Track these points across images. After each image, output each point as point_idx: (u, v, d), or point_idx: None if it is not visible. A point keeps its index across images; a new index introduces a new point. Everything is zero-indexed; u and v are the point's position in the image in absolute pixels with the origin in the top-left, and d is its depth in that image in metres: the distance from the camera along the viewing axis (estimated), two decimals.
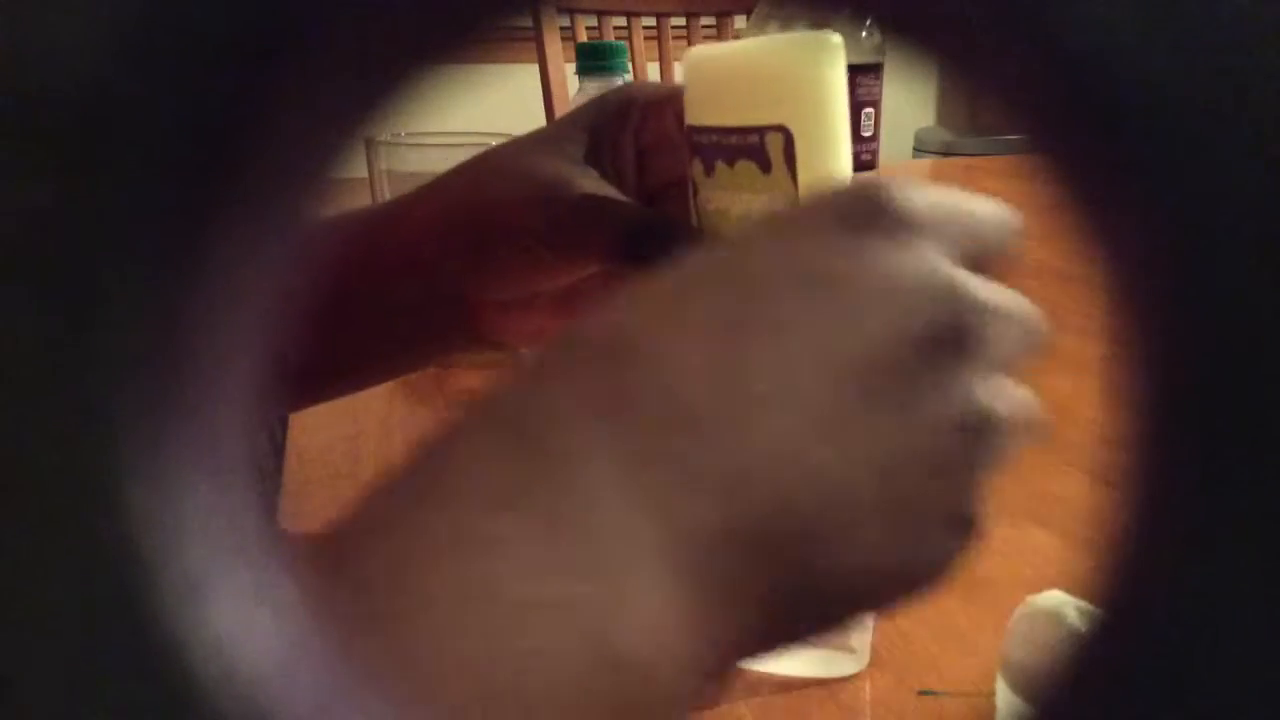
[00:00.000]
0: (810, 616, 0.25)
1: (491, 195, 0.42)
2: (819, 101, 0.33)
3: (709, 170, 0.35)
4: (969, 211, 0.27)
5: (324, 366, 0.46)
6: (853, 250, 0.25)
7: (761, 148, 0.33)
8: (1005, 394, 0.26)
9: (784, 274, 0.25)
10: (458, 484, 0.22)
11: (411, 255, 0.44)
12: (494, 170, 0.43)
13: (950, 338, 0.25)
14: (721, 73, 0.35)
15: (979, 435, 0.25)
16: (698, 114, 0.36)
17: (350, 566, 0.22)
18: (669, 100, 0.41)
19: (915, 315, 0.25)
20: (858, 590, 0.25)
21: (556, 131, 0.43)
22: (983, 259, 0.28)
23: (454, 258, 0.43)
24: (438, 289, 0.44)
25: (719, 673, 0.24)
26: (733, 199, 0.35)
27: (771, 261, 0.25)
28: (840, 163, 0.33)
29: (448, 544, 0.21)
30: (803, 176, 0.33)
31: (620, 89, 0.44)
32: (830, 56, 0.33)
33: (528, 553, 0.21)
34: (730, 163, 0.34)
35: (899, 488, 0.24)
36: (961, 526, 0.26)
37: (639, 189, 0.42)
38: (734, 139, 0.34)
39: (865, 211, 0.26)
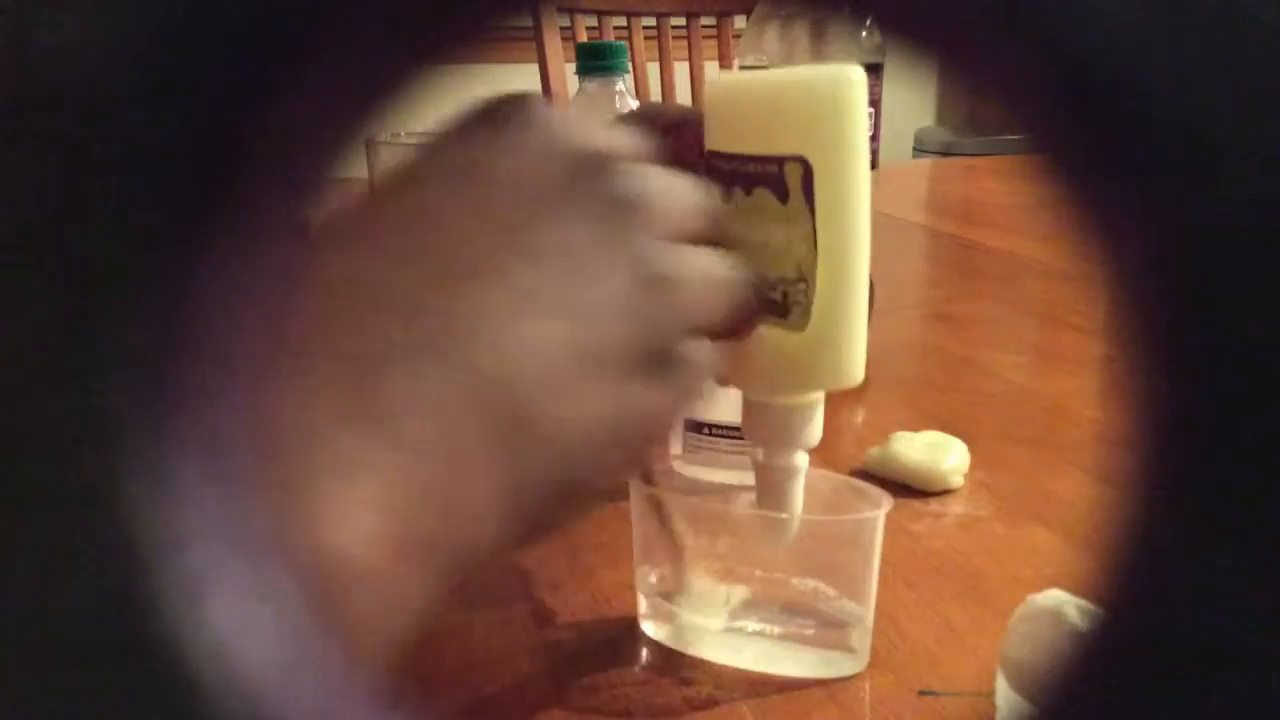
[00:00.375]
0: (551, 482, 0.27)
1: None
2: (839, 134, 0.33)
3: (726, 197, 0.35)
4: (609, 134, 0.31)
5: None
6: (506, 145, 0.28)
7: (780, 177, 0.33)
8: (679, 254, 0.29)
9: (441, 171, 0.28)
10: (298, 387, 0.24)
11: None
12: None
13: (616, 202, 0.28)
14: (743, 100, 0.36)
15: (661, 287, 0.29)
16: (717, 140, 0.36)
17: None
18: (688, 123, 0.42)
19: (580, 189, 0.28)
20: (586, 444, 0.28)
21: None
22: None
23: None
24: None
25: (509, 533, 0.26)
26: (749, 227, 0.35)
27: (427, 167, 0.28)
28: (858, 195, 0.33)
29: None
30: (820, 208, 0.33)
31: (639, 109, 0.45)
32: (853, 90, 0.33)
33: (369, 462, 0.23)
34: (748, 190, 0.35)
35: (594, 340, 0.27)
36: (664, 371, 0.29)
37: None
38: (752, 167, 0.34)
39: (506, 112, 0.29)
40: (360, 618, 0.24)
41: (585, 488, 0.29)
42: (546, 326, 0.27)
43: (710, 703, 0.41)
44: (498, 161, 0.28)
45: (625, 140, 0.31)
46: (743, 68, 0.79)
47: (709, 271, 0.31)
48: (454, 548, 0.25)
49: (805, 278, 0.34)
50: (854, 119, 0.33)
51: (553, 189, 0.28)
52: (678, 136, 0.42)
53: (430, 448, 0.25)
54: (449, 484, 0.25)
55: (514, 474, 0.26)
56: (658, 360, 0.29)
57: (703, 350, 0.31)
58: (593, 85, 0.84)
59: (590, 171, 0.28)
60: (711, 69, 1.61)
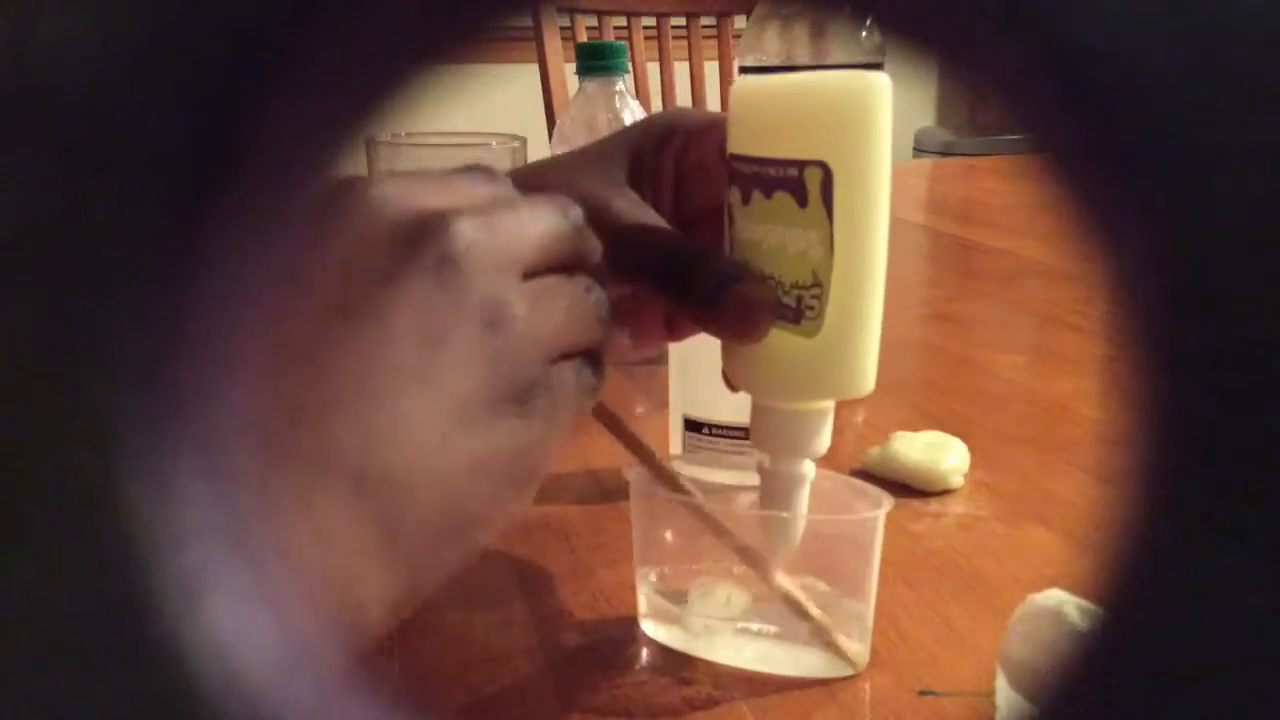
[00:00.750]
0: (436, 531, 0.28)
1: None
2: (861, 141, 0.33)
3: (745, 199, 0.35)
4: (510, 210, 0.31)
5: None
6: (312, 238, 0.28)
7: (800, 181, 0.33)
8: (520, 288, 0.30)
9: (270, 279, 0.29)
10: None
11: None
12: (535, 186, 0.43)
13: (416, 237, 0.28)
14: (767, 104, 0.35)
15: (503, 325, 0.29)
16: (739, 143, 0.36)
17: None
18: (712, 128, 0.41)
19: (403, 261, 0.28)
20: (464, 492, 0.29)
21: (600, 151, 0.43)
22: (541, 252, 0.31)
23: None
24: None
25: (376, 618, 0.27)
26: (767, 231, 0.35)
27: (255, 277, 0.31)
28: (878, 203, 0.33)
29: None
30: (838, 214, 0.33)
31: (666, 113, 0.45)
32: (877, 97, 0.33)
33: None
34: (767, 194, 0.34)
35: (447, 395, 0.28)
36: (530, 402, 0.30)
37: (675, 215, 0.43)
38: (773, 170, 0.34)
39: (314, 207, 0.30)
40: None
41: (477, 528, 0.30)
42: (402, 399, 0.27)
43: (710, 703, 0.41)
44: (323, 255, 0.28)
45: (459, 190, 0.31)
46: (742, 68, 0.79)
47: (560, 295, 0.32)
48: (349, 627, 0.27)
49: (820, 283, 0.34)
50: (877, 126, 0.33)
51: (380, 265, 0.28)
52: (700, 141, 0.42)
53: (308, 555, 0.25)
54: (335, 581, 0.26)
55: (396, 542, 0.27)
56: (523, 394, 0.30)
57: (567, 374, 0.32)
58: (593, 85, 0.84)
59: (413, 238, 0.29)
60: (711, 69, 1.61)
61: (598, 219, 0.40)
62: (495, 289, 0.29)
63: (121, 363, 0.11)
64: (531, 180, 0.44)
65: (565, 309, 0.32)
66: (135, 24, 0.10)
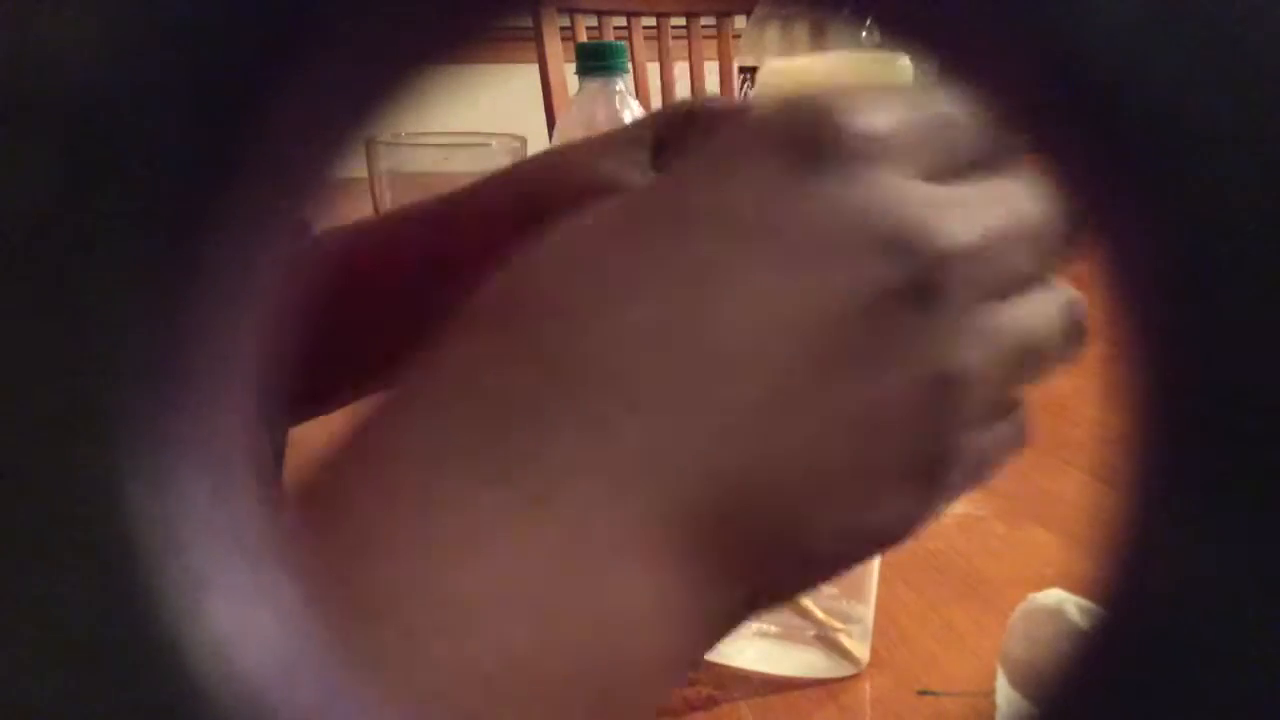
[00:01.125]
0: (788, 582, 0.25)
1: (559, 200, 0.42)
2: None
3: None
4: (933, 120, 0.25)
5: (371, 369, 0.47)
6: (793, 191, 0.23)
7: None
8: (983, 340, 0.24)
9: (732, 218, 0.23)
10: (424, 450, 0.21)
11: (482, 253, 0.44)
12: (560, 170, 0.43)
13: (910, 294, 0.22)
14: (793, 87, 0.36)
15: (948, 389, 0.23)
16: None
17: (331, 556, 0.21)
18: (736, 113, 0.41)
19: (869, 270, 0.22)
20: (834, 551, 0.24)
21: (624, 136, 0.43)
22: (963, 164, 0.25)
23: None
24: None
25: (705, 646, 0.24)
26: None
27: (707, 204, 0.23)
28: None
29: (415, 522, 0.21)
30: None
31: (689, 100, 0.44)
32: (906, 74, 0.33)
33: (512, 534, 0.20)
34: None
35: (867, 447, 0.23)
36: (933, 477, 0.24)
37: None
38: None
39: (806, 142, 0.23)
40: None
41: (797, 590, 0.26)
42: (819, 433, 0.22)
43: (710, 703, 0.41)
44: (802, 229, 0.23)
45: (968, 205, 0.24)
46: (742, 68, 0.79)
47: (1026, 340, 0.25)
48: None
49: None
50: None
51: (865, 314, 0.22)
52: (722, 126, 0.42)
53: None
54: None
55: (749, 578, 0.23)
56: (940, 467, 0.24)
57: (1000, 431, 0.26)
58: (593, 85, 0.84)
59: (917, 305, 0.23)
60: (711, 69, 1.61)
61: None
62: (953, 338, 0.23)
63: (122, 362, 0.11)
64: (553, 165, 0.43)
65: (1028, 351, 0.25)
66: (135, 23, 0.10)
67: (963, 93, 0.25)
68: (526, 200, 0.43)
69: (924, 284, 0.22)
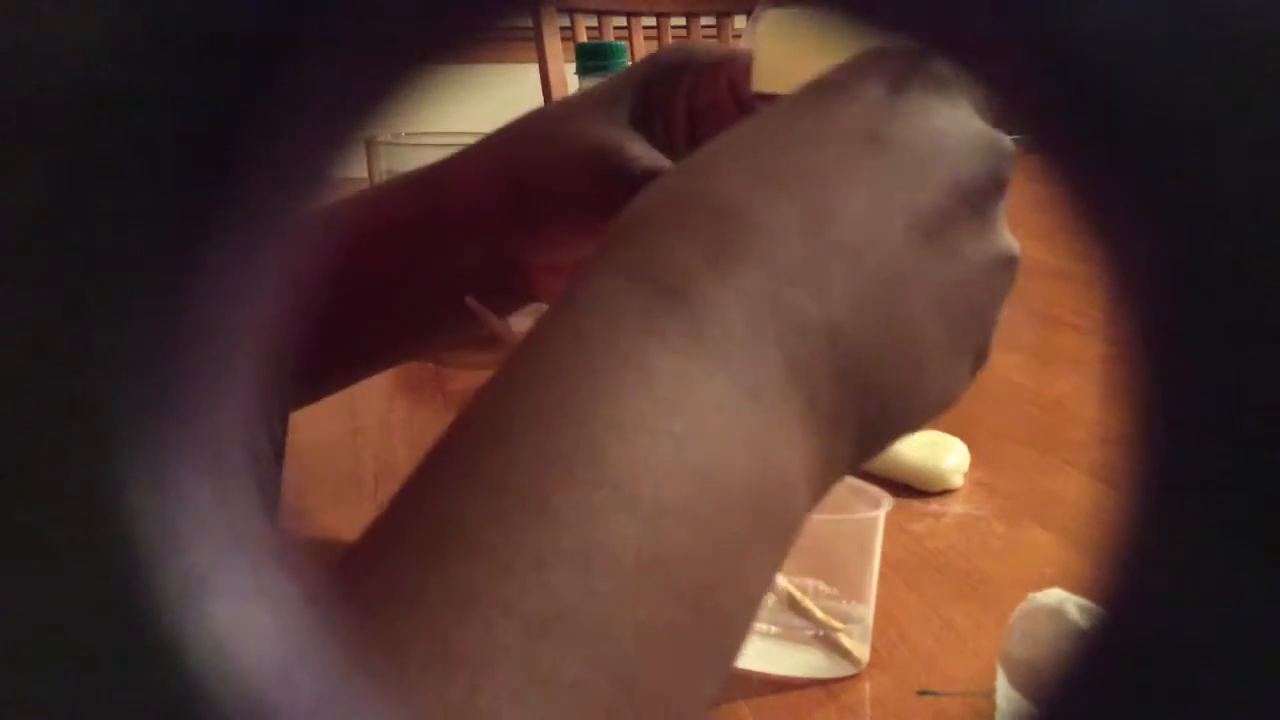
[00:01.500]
0: (877, 443, 0.28)
1: (546, 163, 0.42)
2: None
3: None
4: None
5: (367, 341, 0.47)
6: (903, 110, 0.28)
7: None
8: (1008, 232, 0.30)
9: (849, 133, 0.28)
10: (614, 312, 0.25)
11: (473, 219, 0.43)
12: (545, 135, 0.42)
13: (991, 186, 0.28)
14: (794, 41, 0.35)
15: (1005, 269, 0.29)
16: (769, 81, 0.36)
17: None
18: (724, 63, 0.41)
19: (964, 168, 0.28)
20: (914, 416, 0.29)
21: (607, 93, 0.43)
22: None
23: (512, 223, 0.43)
24: (497, 252, 0.44)
25: (822, 493, 0.28)
26: None
27: (836, 123, 0.28)
28: None
29: (614, 365, 0.24)
30: None
31: (675, 49, 0.44)
32: None
33: (689, 381, 0.24)
34: None
35: (954, 324, 0.28)
36: (982, 354, 0.30)
37: (687, 151, 0.42)
38: None
39: (907, 72, 0.29)
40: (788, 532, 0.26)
41: (881, 449, 0.29)
42: (922, 304, 0.27)
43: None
44: (915, 138, 0.28)
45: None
46: None
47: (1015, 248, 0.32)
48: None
49: None
50: None
51: (963, 201, 0.28)
52: (711, 78, 0.42)
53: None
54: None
55: (855, 436, 0.27)
56: (985, 351, 0.30)
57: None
58: (593, 85, 0.84)
59: (995, 195, 0.29)
60: None
61: (612, 170, 0.40)
62: (1002, 227, 0.29)
63: (123, 362, 0.11)
64: (537, 128, 0.43)
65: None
66: (135, 23, 0.10)
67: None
68: (513, 165, 0.43)
69: (1002, 178, 0.29)
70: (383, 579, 0.21)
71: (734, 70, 0.39)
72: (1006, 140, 0.29)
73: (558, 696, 0.20)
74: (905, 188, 0.27)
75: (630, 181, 0.39)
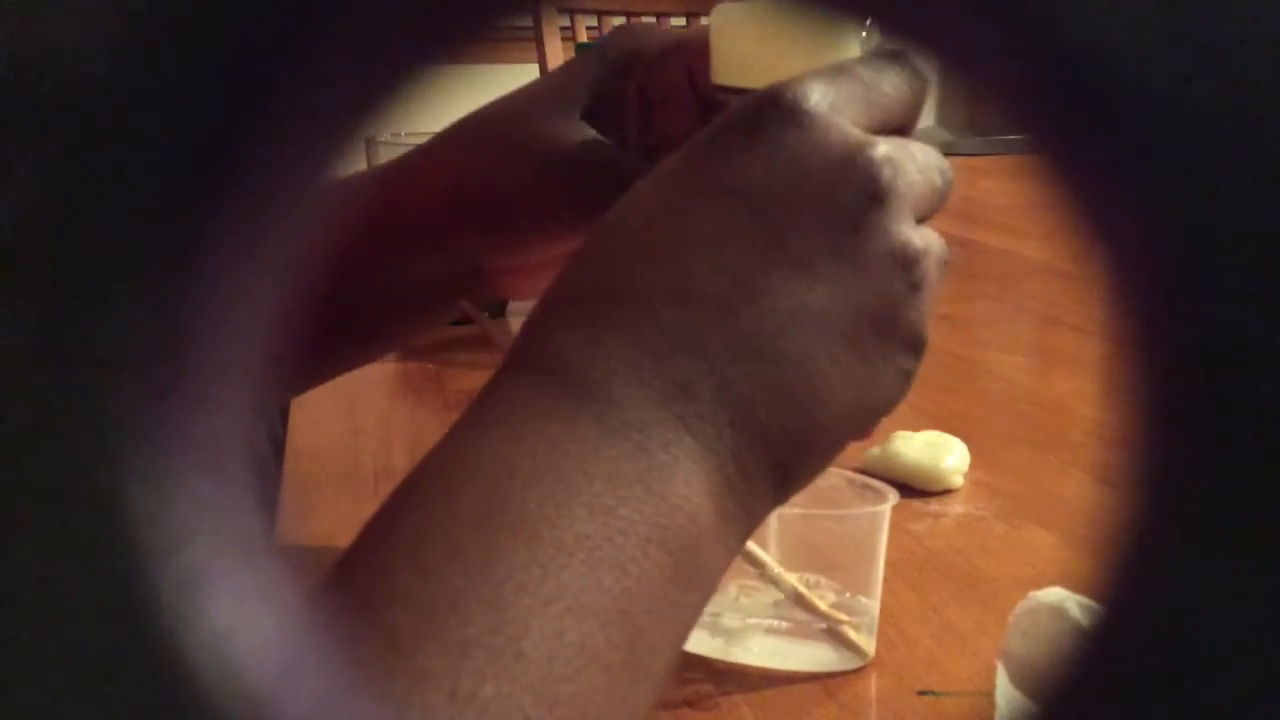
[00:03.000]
0: (804, 468, 0.30)
1: (497, 167, 0.41)
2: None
3: None
4: (865, 84, 0.31)
5: (331, 343, 0.46)
6: (759, 154, 0.29)
7: None
8: (918, 230, 0.30)
9: (710, 192, 0.29)
10: (509, 402, 0.28)
11: (428, 226, 0.43)
12: (495, 137, 0.42)
13: (865, 198, 0.29)
14: (752, 34, 0.35)
15: (908, 264, 0.30)
16: (729, 73, 0.36)
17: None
18: (676, 50, 0.40)
19: (828, 192, 0.29)
20: (835, 434, 0.30)
21: (557, 87, 0.42)
22: (887, 121, 0.32)
23: (469, 229, 0.43)
24: (456, 258, 0.43)
25: (747, 525, 0.29)
26: None
27: (697, 186, 0.30)
28: None
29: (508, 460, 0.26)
30: None
31: (623, 36, 0.43)
32: (845, 32, 0.33)
33: (576, 444, 0.26)
34: None
35: (856, 338, 0.29)
36: (913, 347, 0.30)
37: (643, 145, 0.42)
38: None
39: (760, 112, 0.30)
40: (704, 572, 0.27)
41: (816, 466, 0.30)
42: (822, 325, 0.29)
43: (710, 701, 0.41)
44: (776, 181, 0.29)
45: (880, 106, 0.32)
46: None
47: (936, 243, 0.32)
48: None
49: None
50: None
51: (844, 217, 0.29)
52: (664, 66, 0.41)
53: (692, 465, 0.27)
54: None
55: (778, 466, 0.29)
56: (916, 346, 0.31)
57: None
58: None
59: (876, 201, 0.29)
60: None
61: (565, 167, 0.39)
62: (908, 230, 0.30)
63: (123, 362, 0.11)
64: (488, 127, 0.43)
65: (939, 255, 0.32)
66: (135, 20, 0.10)
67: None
68: (463, 170, 0.43)
69: (876, 188, 0.29)
70: (327, 621, 0.23)
71: (690, 58, 0.39)
72: (876, 147, 0.29)
73: (480, 713, 0.22)
74: (768, 230, 0.28)
75: (584, 180, 0.39)
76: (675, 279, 0.28)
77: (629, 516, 0.25)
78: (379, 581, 0.24)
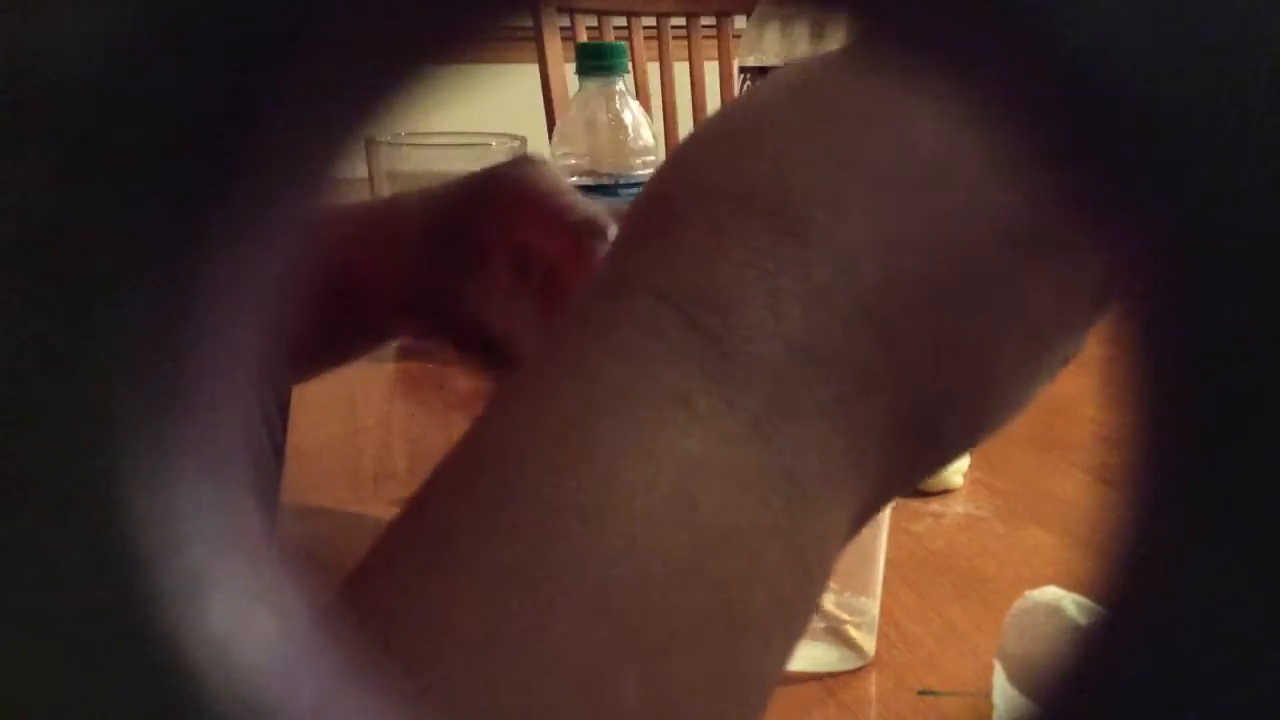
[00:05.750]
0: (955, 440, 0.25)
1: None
2: None
3: None
4: None
5: (315, 347, 0.47)
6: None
7: None
8: None
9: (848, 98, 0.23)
10: (629, 353, 0.21)
11: (400, 263, 0.44)
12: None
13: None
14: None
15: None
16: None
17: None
18: (544, 200, 0.40)
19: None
20: (1008, 400, 0.25)
21: (387, 221, 0.43)
22: None
23: (441, 279, 0.43)
24: (430, 294, 0.44)
25: (865, 515, 0.24)
26: None
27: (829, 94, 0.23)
28: None
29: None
30: None
31: (482, 179, 0.43)
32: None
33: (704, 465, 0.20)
34: None
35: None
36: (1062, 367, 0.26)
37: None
38: None
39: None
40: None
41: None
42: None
43: None
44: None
45: None
46: (742, 68, 0.79)
47: None
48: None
49: None
50: None
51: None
52: (527, 218, 0.41)
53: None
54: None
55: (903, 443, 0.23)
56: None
57: None
58: (592, 85, 0.84)
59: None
60: (711, 69, 1.61)
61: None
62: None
63: (124, 362, 0.11)
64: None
65: None
66: (134, 20, 0.10)
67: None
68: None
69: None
70: (377, 591, 0.21)
71: (556, 211, 0.39)
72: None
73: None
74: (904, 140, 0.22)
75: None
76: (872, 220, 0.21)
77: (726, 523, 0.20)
78: (446, 542, 0.20)
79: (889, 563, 0.45)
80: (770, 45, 0.77)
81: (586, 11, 1.55)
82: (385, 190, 0.70)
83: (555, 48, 1.48)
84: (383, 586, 0.21)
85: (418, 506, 0.22)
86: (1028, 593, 0.37)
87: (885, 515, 0.43)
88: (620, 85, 0.83)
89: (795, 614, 0.22)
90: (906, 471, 0.24)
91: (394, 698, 0.13)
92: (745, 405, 0.20)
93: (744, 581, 0.20)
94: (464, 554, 0.20)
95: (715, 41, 1.62)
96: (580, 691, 0.19)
